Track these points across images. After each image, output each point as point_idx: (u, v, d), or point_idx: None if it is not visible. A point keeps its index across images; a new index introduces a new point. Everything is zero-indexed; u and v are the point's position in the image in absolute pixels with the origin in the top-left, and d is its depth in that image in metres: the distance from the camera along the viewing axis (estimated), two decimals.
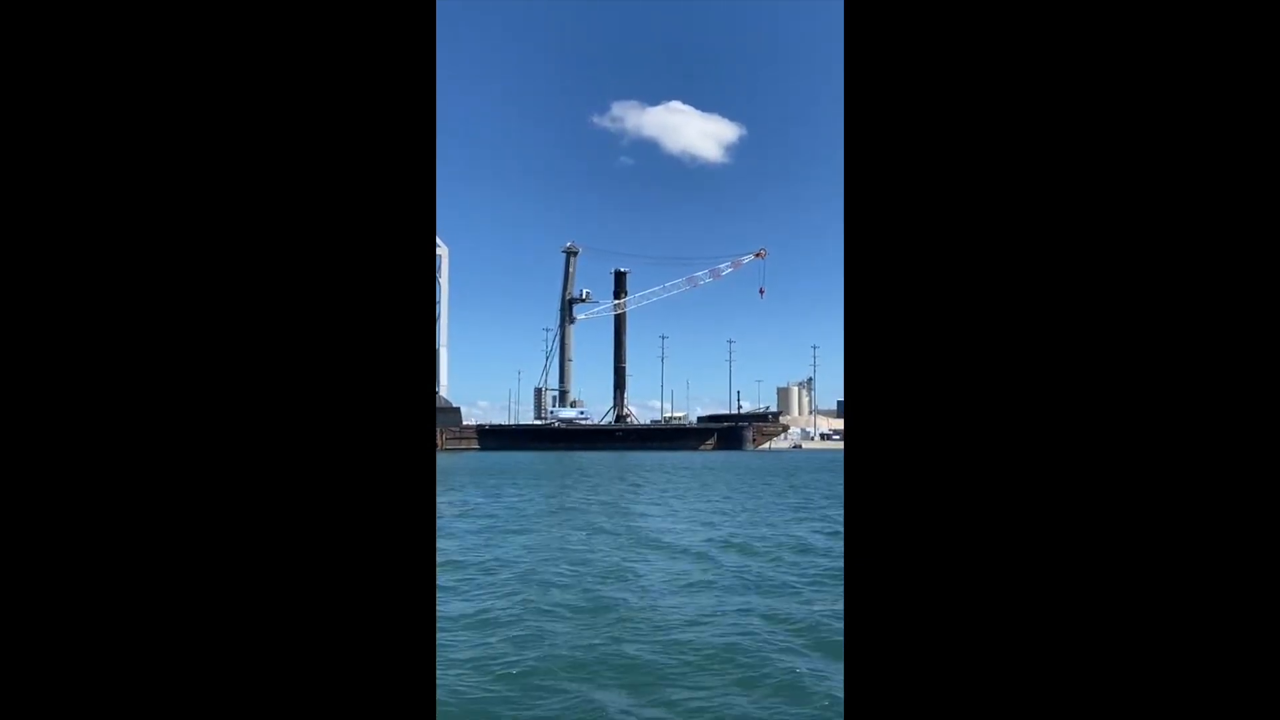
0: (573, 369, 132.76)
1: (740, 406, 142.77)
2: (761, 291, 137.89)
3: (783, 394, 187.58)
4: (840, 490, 33.82)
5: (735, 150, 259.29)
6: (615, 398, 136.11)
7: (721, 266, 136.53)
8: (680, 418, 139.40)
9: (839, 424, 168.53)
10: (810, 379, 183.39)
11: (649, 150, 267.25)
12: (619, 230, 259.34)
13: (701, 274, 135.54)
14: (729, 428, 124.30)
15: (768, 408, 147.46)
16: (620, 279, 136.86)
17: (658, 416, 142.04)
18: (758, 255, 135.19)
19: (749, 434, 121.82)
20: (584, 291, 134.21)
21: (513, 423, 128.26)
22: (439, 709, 5.80)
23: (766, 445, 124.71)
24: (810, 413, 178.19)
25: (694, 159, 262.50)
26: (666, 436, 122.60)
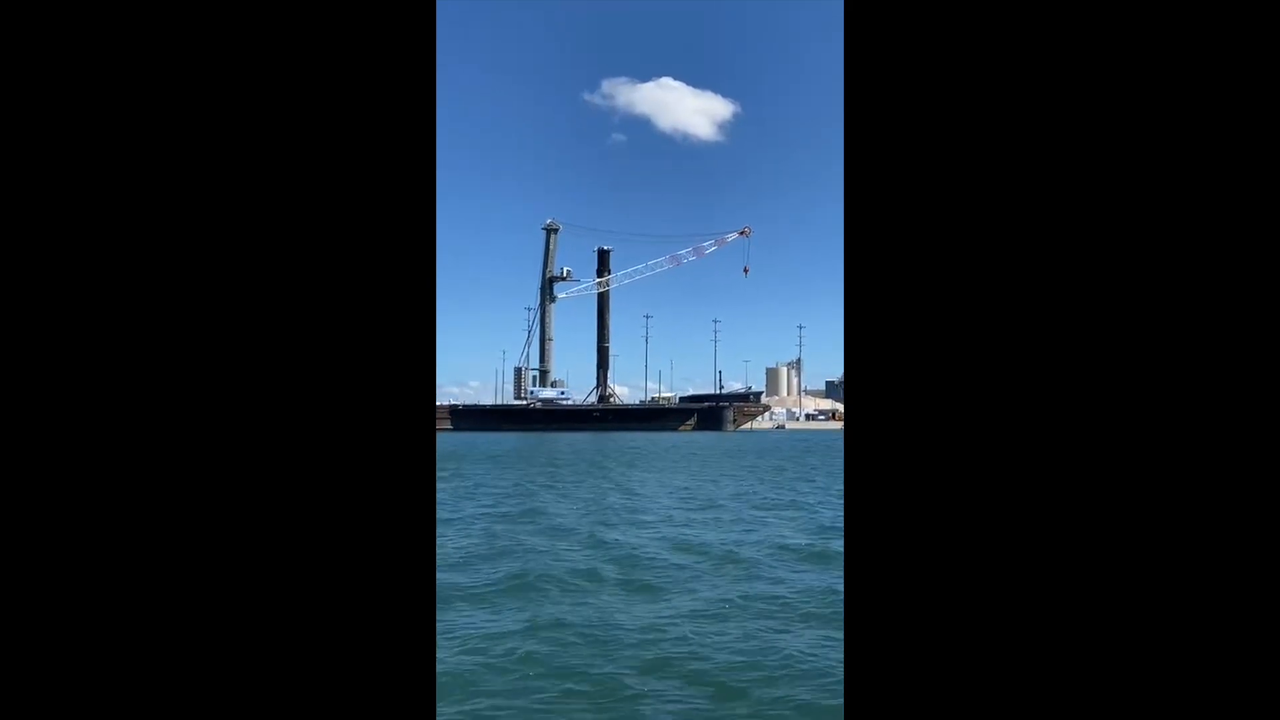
0: (553, 348, 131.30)
1: (723, 387, 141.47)
2: (746, 270, 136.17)
3: (771, 374, 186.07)
4: (776, 468, 33.13)
5: (729, 128, 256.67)
6: (598, 377, 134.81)
7: (705, 244, 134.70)
8: (668, 398, 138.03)
9: (825, 404, 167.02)
10: (798, 359, 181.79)
11: (640, 127, 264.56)
12: (610, 208, 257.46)
13: (685, 252, 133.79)
14: (709, 408, 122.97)
15: (750, 388, 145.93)
16: (603, 257, 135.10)
17: (645, 397, 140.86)
18: (742, 233, 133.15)
19: (729, 414, 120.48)
20: (564, 270, 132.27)
21: (496, 402, 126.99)
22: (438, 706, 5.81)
23: (748, 425, 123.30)
24: (798, 393, 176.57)
25: (686, 136, 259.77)
26: (646, 417, 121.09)
